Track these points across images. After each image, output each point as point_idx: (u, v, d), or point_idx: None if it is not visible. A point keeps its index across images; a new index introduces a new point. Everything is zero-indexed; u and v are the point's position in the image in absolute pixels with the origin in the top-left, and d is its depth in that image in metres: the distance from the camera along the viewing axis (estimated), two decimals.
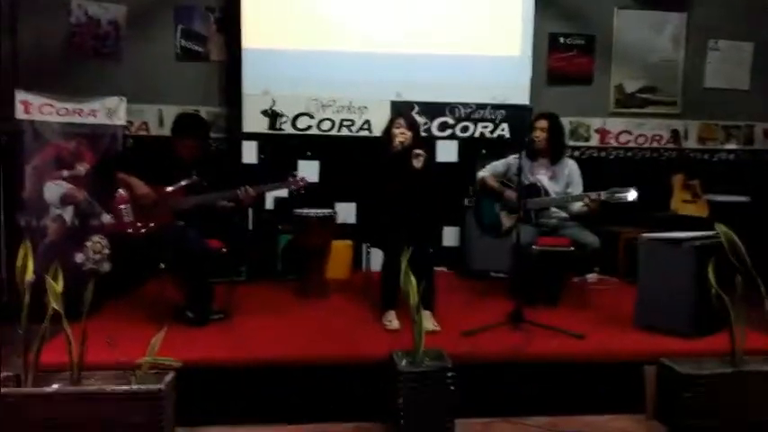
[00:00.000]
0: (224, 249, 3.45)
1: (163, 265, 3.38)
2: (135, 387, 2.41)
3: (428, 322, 3.17)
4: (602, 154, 5.38)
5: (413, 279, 2.62)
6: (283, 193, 4.62)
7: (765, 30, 5.35)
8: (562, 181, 3.95)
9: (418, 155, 3.54)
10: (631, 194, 3.45)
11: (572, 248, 3.73)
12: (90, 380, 2.51)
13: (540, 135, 3.89)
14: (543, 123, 3.91)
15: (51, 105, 4.17)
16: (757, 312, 2.75)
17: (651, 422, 2.86)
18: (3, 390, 2.37)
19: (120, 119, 4.39)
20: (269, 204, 4.81)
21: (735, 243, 2.75)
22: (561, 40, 5.28)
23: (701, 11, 5.32)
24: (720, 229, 2.81)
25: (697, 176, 5.04)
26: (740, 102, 5.45)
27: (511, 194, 3.86)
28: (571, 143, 5.12)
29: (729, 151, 5.49)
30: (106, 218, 3.94)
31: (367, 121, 4.94)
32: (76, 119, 4.26)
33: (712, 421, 2.66)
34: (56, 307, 2.41)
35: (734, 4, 5.32)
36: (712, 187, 5.05)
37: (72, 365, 2.46)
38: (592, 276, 4.42)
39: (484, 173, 4.05)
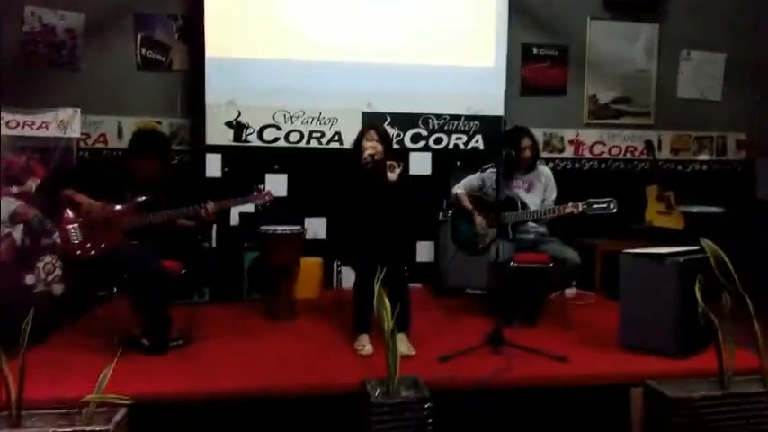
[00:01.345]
0: (183, 271, 3.22)
1: (116, 289, 3.15)
2: (80, 428, 2.18)
3: (403, 345, 3.00)
4: (576, 165, 5.32)
5: (387, 303, 2.46)
6: (249, 208, 4.41)
7: (737, 41, 5.35)
8: (539, 191, 3.86)
9: (392, 166, 3.38)
10: (612, 206, 3.36)
11: (551, 265, 3.61)
12: (30, 420, 2.27)
13: (528, 153, 3.82)
14: (528, 141, 3.83)
15: None
16: (743, 328, 2.66)
17: None
18: None
19: (74, 131, 4.14)
20: (234, 221, 4.60)
21: (722, 259, 2.64)
22: (534, 50, 5.21)
23: (673, 22, 5.31)
24: (706, 244, 2.70)
25: (671, 188, 4.99)
26: (713, 112, 5.44)
27: (480, 221, 3.75)
28: (545, 155, 5.04)
29: (702, 162, 5.47)
30: (58, 237, 3.71)
31: (337, 133, 4.77)
32: (27, 132, 4.01)
33: None
34: None
35: (706, 16, 5.31)
36: (686, 198, 5.01)
37: (10, 404, 2.23)
38: (570, 291, 4.30)
39: (459, 189, 3.92)
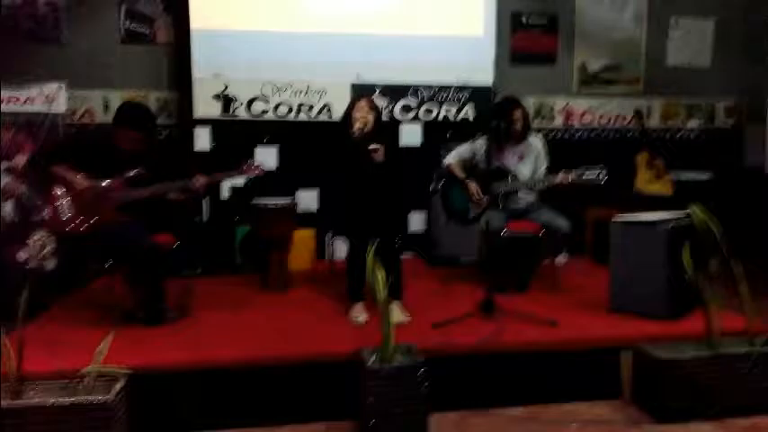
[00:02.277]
0: (175, 244, 3.22)
1: (109, 263, 3.15)
2: (81, 399, 2.20)
3: (397, 313, 3.04)
4: (567, 135, 5.32)
5: (380, 273, 2.47)
6: (240, 181, 4.40)
7: (726, 7, 5.34)
8: (530, 161, 3.86)
9: (375, 150, 3.36)
10: (602, 175, 3.39)
11: (542, 233, 3.64)
12: (31, 392, 2.29)
13: (519, 125, 3.79)
14: (519, 113, 3.80)
15: None
16: (730, 292, 2.72)
17: (629, 407, 2.79)
18: None
19: (60, 106, 4.09)
20: (225, 194, 4.58)
21: (709, 224, 2.68)
22: (524, 19, 5.17)
23: None
24: (695, 210, 2.74)
25: (660, 155, 5.02)
26: (702, 79, 5.44)
27: (472, 186, 3.75)
28: (535, 124, 5.03)
29: (691, 129, 5.49)
30: (48, 212, 3.69)
31: (326, 105, 4.74)
32: (12, 107, 3.96)
33: (691, 404, 2.62)
34: None
35: None
36: (675, 165, 5.04)
37: (10, 376, 2.24)
38: (560, 258, 4.34)
39: (450, 159, 3.92)
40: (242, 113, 4.66)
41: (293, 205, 4.02)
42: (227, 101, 4.63)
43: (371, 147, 3.37)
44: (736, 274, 2.69)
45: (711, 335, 2.68)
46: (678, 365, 2.59)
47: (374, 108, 3.58)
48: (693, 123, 5.47)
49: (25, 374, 2.29)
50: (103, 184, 3.15)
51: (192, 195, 3.29)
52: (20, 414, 2.19)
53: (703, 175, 5.01)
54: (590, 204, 4.76)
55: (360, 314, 3.20)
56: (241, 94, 4.65)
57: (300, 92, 4.73)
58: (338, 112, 4.12)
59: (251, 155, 4.47)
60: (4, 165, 3.91)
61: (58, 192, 3.11)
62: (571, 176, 3.50)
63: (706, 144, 5.45)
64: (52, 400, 2.21)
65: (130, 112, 3.34)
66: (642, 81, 5.36)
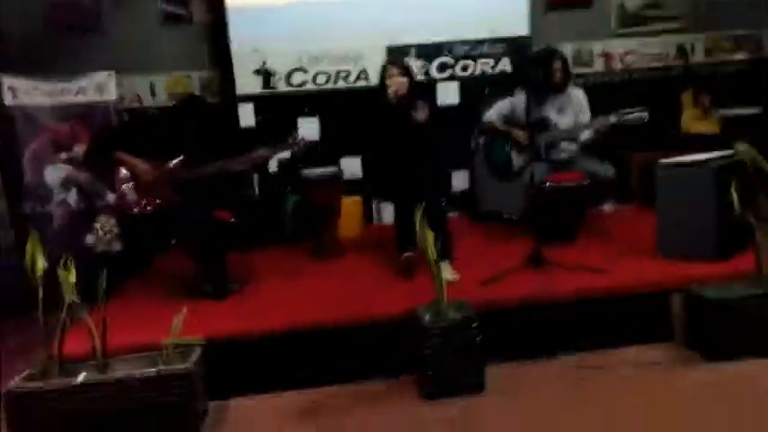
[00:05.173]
0: (233, 219, 3.38)
1: (174, 241, 3.33)
2: (162, 370, 2.40)
3: (447, 272, 3.12)
4: (607, 79, 5.21)
5: (429, 233, 2.56)
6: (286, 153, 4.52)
7: None
8: (570, 113, 3.84)
9: (418, 107, 3.41)
10: (643, 116, 3.36)
11: (586, 182, 3.65)
12: (115, 366, 2.50)
13: (559, 75, 3.78)
14: (559, 64, 3.78)
15: (38, 88, 4.07)
16: None
17: (681, 349, 2.83)
18: (30, 386, 2.36)
19: (111, 94, 4.27)
20: (273, 167, 4.72)
21: (758, 162, 2.66)
22: None
23: None
24: (741, 148, 2.72)
25: (706, 91, 4.88)
26: (746, 8, 5.21)
27: (518, 133, 3.77)
28: (575, 70, 4.94)
29: (738, 62, 5.30)
30: (111, 197, 3.90)
31: (363, 71, 4.78)
32: (66, 99, 4.16)
33: (742, 343, 2.64)
34: (70, 298, 2.37)
35: None
36: (723, 101, 4.90)
37: (96, 353, 2.45)
38: (607, 206, 4.33)
39: (490, 116, 3.94)
40: (282, 86, 4.75)
41: (339, 174, 4.12)
42: (266, 75, 4.73)
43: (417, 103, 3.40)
44: None
45: (761, 273, 2.69)
46: (728, 305, 2.62)
47: (405, 71, 3.61)
48: (740, 55, 5.28)
49: (108, 350, 2.49)
50: (165, 166, 3.31)
51: (253, 167, 3.41)
52: (108, 386, 2.39)
53: (752, 110, 4.86)
54: (635, 149, 4.69)
55: (410, 253, 3.29)
56: (280, 66, 4.73)
57: (337, 59, 4.78)
58: (375, 77, 4.16)
59: (294, 126, 4.56)
60: (64, 155, 4.14)
61: (123, 176, 3.29)
62: (612, 119, 3.48)
63: (754, 77, 5.26)
64: (138, 372, 2.41)
65: (190, 109, 3.50)
66: (684, 15, 5.18)
